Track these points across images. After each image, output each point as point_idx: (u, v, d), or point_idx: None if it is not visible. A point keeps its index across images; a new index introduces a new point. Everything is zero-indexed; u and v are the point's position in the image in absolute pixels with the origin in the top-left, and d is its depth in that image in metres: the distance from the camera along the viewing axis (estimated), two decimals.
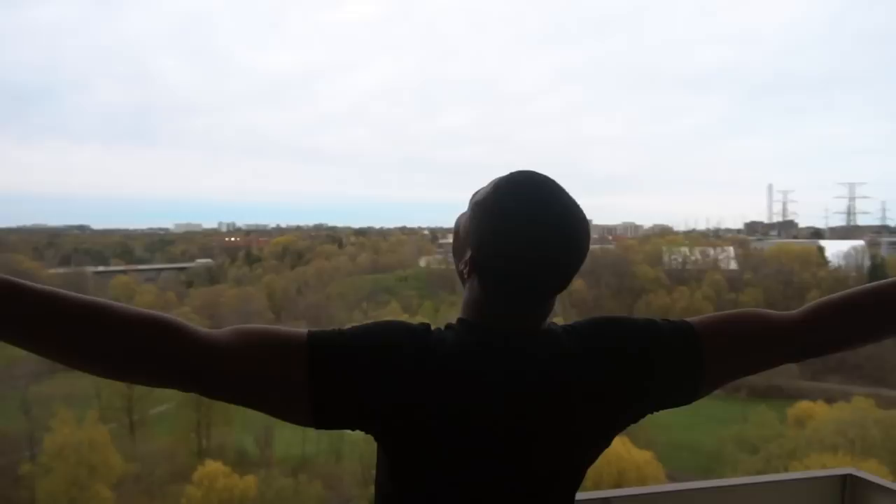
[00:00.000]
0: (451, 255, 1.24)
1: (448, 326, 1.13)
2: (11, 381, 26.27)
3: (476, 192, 1.15)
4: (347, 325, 1.10)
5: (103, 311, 0.97)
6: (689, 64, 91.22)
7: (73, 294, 0.97)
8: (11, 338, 0.94)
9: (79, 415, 23.32)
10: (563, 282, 1.09)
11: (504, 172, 1.14)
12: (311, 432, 25.09)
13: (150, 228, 71.46)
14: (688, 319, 1.19)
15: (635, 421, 1.16)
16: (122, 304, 1.00)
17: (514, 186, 1.10)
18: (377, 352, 1.04)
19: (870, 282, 1.25)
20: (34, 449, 23.22)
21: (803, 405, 26.31)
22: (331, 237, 63.88)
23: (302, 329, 1.07)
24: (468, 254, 1.11)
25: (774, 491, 2.45)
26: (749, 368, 1.20)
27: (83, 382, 25.76)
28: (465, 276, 1.14)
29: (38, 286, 0.94)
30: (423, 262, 50.94)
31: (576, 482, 1.17)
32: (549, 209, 1.08)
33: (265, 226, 73.48)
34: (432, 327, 1.12)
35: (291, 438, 25.37)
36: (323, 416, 1.04)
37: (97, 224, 69.14)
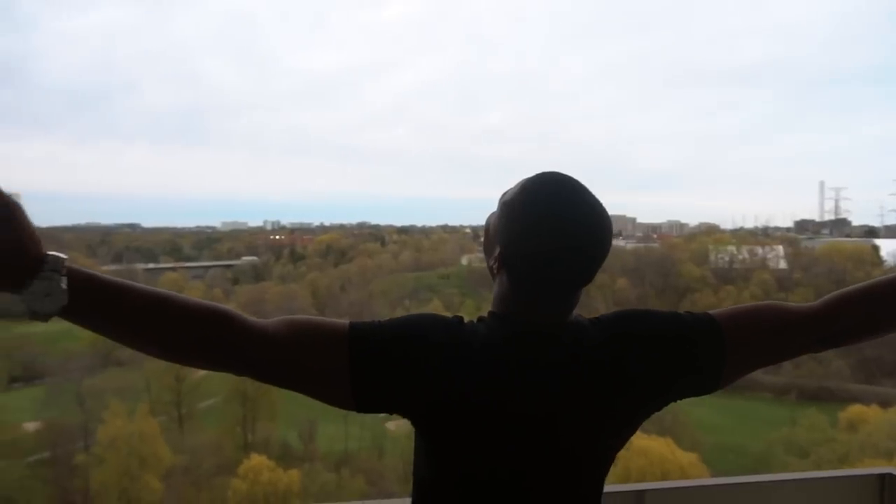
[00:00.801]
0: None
1: (480, 319, 1.19)
2: (67, 375, 27.14)
3: (505, 192, 1.22)
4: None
5: (167, 301, 1.05)
6: (737, 58, 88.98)
7: (140, 285, 1.05)
8: (87, 324, 1.03)
9: (130, 407, 23.99)
10: (587, 276, 1.15)
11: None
12: (354, 429, 25.49)
13: (198, 227, 72.54)
14: (709, 311, 1.23)
15: (659, 409, 1.21)
16: (184, 295, 1.09)
17: (540, 186, 1.16)
18: (413, 341, 1.11)
19: None
20: (88, 440, 23.92)
21: (856, 409, 25.40)
22: (373, 235, 64.18)
23: (344, 320, 1.15)
24: (497, 251, 1.18)
25: (812, 488, 2.44)
26: (769, 359, 1.24)
27: (134, 376, 26.52)
28: (495, 272, 1.21)
29: (110, 278, 1.03)
30: (464, 261, 50.79)
31: (604, 469, 1.22)
32: (573, 208, 1.13)
33: (309, 224, 73.97)
34: (465, 320, 1.18)
35: (334, 434, 25.63)
36: (363, 400, 1.11)
37: (147, 222, 70.68)
